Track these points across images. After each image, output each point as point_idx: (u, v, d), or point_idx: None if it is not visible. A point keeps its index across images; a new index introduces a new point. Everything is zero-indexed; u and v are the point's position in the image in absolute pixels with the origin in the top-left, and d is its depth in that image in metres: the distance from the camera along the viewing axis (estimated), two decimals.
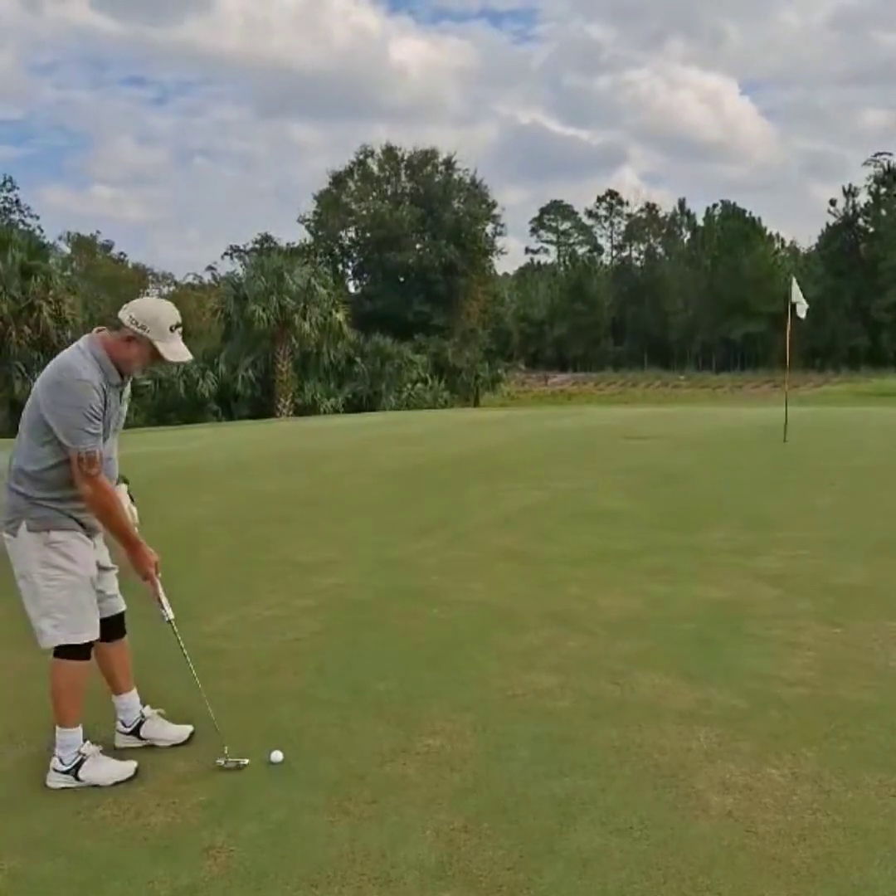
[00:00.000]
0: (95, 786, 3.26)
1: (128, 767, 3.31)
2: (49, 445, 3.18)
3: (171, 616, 3.49)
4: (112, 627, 3.52)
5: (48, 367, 3.32)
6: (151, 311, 3.23)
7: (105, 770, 3.30)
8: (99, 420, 3.16)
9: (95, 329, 3.33)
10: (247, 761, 3.38)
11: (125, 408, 3.45)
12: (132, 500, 3.53)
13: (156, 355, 3.25)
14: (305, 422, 27.96)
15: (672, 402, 45.05)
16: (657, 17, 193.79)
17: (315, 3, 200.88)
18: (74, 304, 31.24)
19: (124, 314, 3.21)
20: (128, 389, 3.43)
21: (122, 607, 3.58)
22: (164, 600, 3.46)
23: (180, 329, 3.30)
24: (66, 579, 3.23)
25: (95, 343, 3.24)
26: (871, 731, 3.64)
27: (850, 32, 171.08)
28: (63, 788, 3.27)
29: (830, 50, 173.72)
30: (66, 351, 3.31)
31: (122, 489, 3.48)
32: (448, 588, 5.99)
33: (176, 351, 3.27)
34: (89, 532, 3.36)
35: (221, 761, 3.38)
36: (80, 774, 3.27)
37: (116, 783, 3.26)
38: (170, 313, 3.26)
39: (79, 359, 3.19)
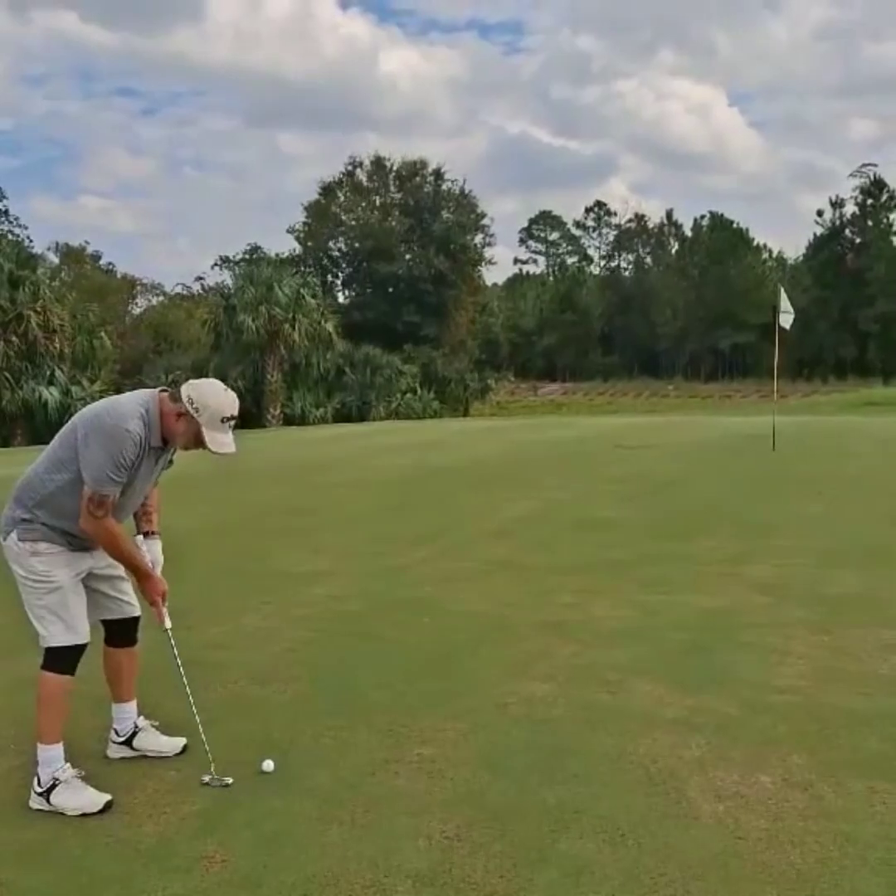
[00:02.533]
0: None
1: (98, 800, 3.17)
2: (67, 474, 3.18)
3: (169, 625, 3.50)
4: (122, 631, 3.53)
5: (102, 402, 3.33)
6: (209, 397, 3.21)
7: (74, 800, 3.17)
8: (125, 471, 3.16)
9: (159, 388, 3.32)
10: (230, 780, 3.35)
11: (159, 472, 3.43)
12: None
13: (200, 440, 3.23)
14: (296, 432, 27.94)
15: (662, 411, 45.19)
16: (646, 29, 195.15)
17: (304, 14, 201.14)
18: (62, 314, 31.17)
19: (185, 390, 3.20)
20: (169, 457, 3.42)
21: (136, 612, 3.56)
22: (165, 612, 3.48)
23: (233, 423, 3.28)
24: (51, 585, 3.22)
25: (154, 401, 3.24)
26: (862, 738, 3.65)
27: (838, 44, 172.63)
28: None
29: (819, 62, 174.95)
30: (126, 395, 3.32)
31: (156, 545, 3.55)
32: (442, 598, 5.99)
33: (220, 442, 3.24)
34: (83, 548, 3.33)
35: (207, 778, 3.36)
36: (52, 799, 3.17)
37: (84, 815, 3.13)
38: (227, 405, 3.24)
39: (133, 409, 3.18)
